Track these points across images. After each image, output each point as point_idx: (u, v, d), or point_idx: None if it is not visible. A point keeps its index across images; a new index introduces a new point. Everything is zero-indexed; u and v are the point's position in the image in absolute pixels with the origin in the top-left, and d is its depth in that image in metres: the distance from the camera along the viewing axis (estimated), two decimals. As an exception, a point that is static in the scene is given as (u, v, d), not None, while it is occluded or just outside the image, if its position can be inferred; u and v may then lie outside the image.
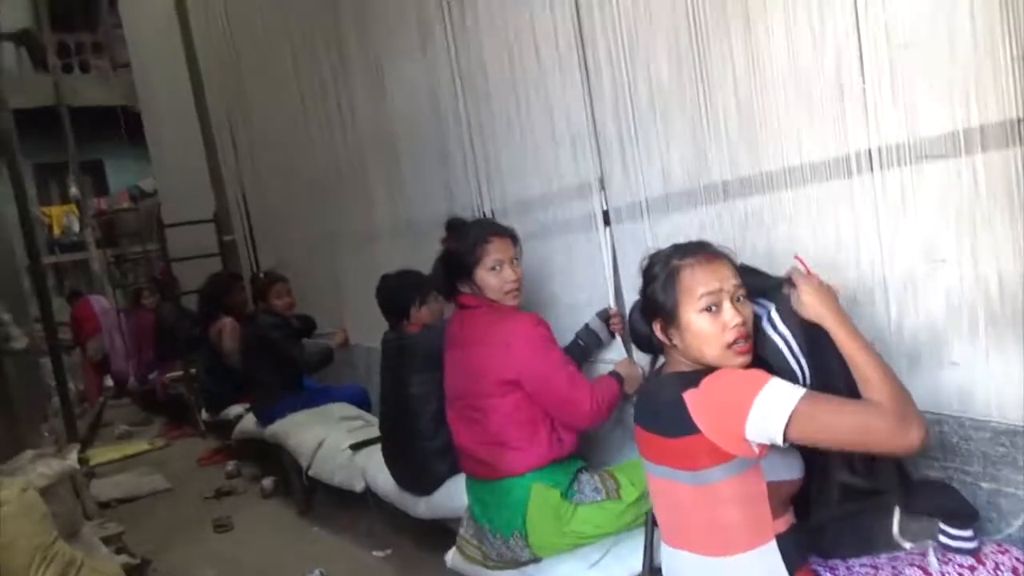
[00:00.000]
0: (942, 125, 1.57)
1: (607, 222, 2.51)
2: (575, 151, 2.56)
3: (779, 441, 1.33)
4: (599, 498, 2.21)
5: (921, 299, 1.68)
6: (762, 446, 1.37)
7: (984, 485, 1.61)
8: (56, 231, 14.24)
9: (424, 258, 3.33)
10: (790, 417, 1.31)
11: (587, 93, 2.44)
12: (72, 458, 3.56)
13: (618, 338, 2.56)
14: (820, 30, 1.74)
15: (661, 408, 1.49)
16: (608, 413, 2.25)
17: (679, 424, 1.42)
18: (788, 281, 1.52)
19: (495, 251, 2.28)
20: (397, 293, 2.96)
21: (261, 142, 5.57)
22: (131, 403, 8.34)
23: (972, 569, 1.43)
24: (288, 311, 4.44)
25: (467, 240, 2.32)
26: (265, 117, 5.38)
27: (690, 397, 1.41)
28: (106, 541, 3.39)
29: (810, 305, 1.45)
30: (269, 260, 5.74)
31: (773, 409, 1.32)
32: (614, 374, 2.37)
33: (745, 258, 1.95)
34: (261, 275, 5.01)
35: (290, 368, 4.31)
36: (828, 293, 1.46)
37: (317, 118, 4.46)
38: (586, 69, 2.42)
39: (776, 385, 1.35)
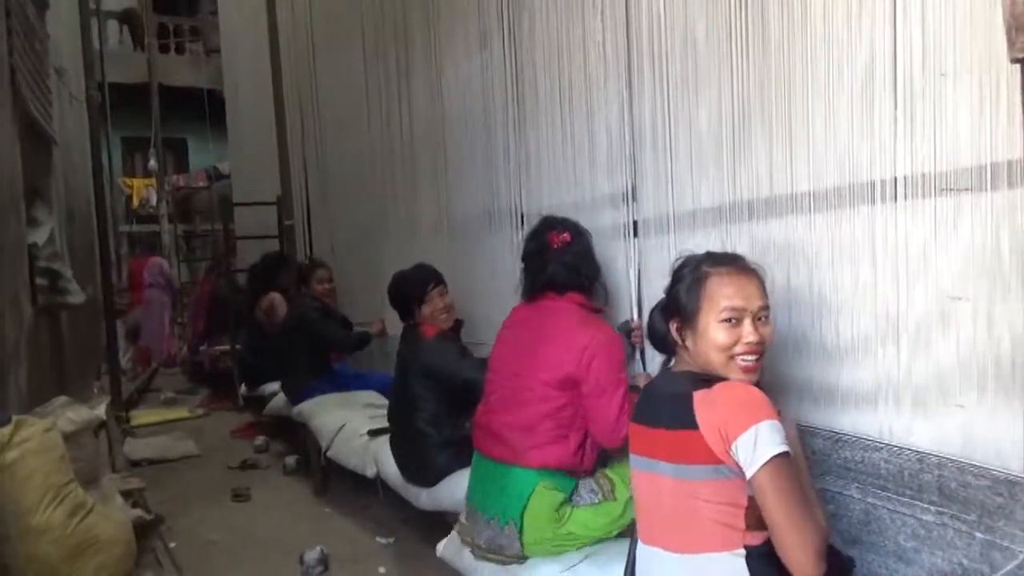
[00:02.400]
0: (974, 158, 1.51)
1: (635, 233, 2.48)
2: (611, 161, 2.55)
3: (749, 473, 1.37)
4: (596, 500, 2.17)
5: (934, 337, 1.61)
6: (739, 466, 1.39)
7: (978, 535, 1.53)
8: (135, 202, 14.75)
9: (461, 254, 3.38)
10: (768, 461, 1.35)
11: (629, 103, 2.44)
12: (100, 410, 3.63)
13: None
14: (856, 56, 1.71)
15: (666, 400, 1.51)
16: None
17: (680, 417, 1.45)
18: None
19: None
20: (401, 290, 3.04)
21: (326, 133, 5.71)
22: (181, 372, 8.64)
23: None
24: (327, 297, 4.54)
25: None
26: (332, 109, 5.52)
27: (699, 396, 1.44)
28: (126, 495, 3.49)
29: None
30: (322, 246, 5.87)
31: (763, 443, 1.36)
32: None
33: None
34: (306, 260, 5.16)
35: (322, 351, 4.40)
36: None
37: (378, 113, 4.55)
38: (629, 80, 2.42)
39: (775, 425, 1.38)
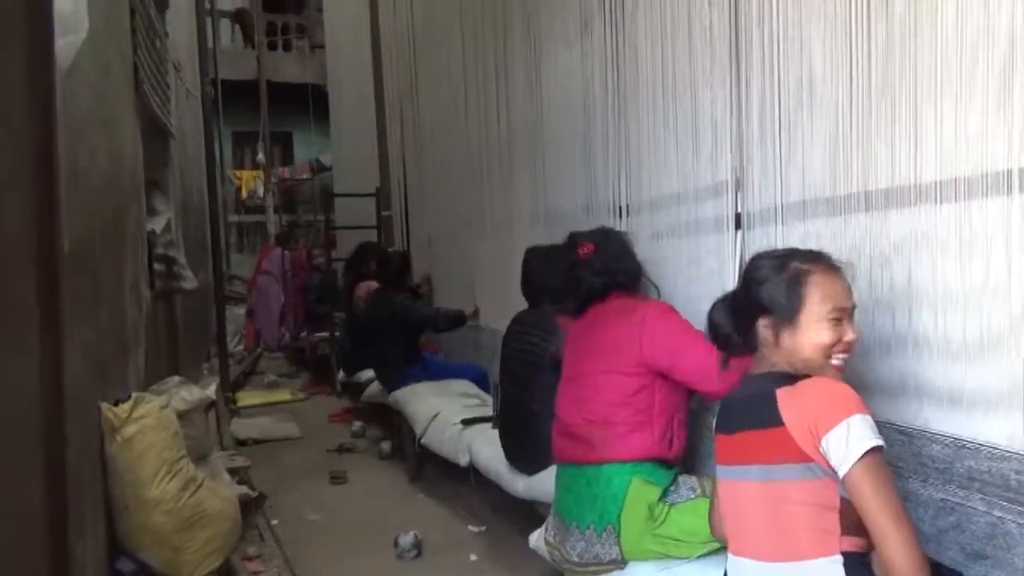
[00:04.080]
0: None
1: (738, 226, 2.39)
2: (715, 149, 2.46)
3: (843, 470, 1.31)
4: (693, 496, 2.10)
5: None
6: (829, 464, 1.35)
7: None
8: (244, 193, 15.40)
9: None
10: (863, 455, 1.31)
11: (735, 88, 2.34)
12: (211, 390, 3.79)
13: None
14: (995, 37, 1.56)
15: (746, 402, 1.48)
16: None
17: (764, 416, 1.42)
18: None
19: None
20: (542, 273, 2.92)
21: (424, 125, 5.78)
22: (283, 357, 8.97)
23: None
24: (419, 291, 4.62)
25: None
26: (430, 101, 5.59)
27: (783, 393, 1.42)
28: (233, 472, 3.64)
29: None
30: (419, 237, 5.96)
31: (855, 437, 1.32)
32: None
33: (876, 276, 1.82)
34: (399, 254, 5.31)
35: (415, 341, 4.51)
36: None
37: (475, 104, 4.56)
38: (736, 62, 2.32)
39: (867, 419, 1.35)
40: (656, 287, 2.47)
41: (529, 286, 2.96)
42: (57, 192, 1.82)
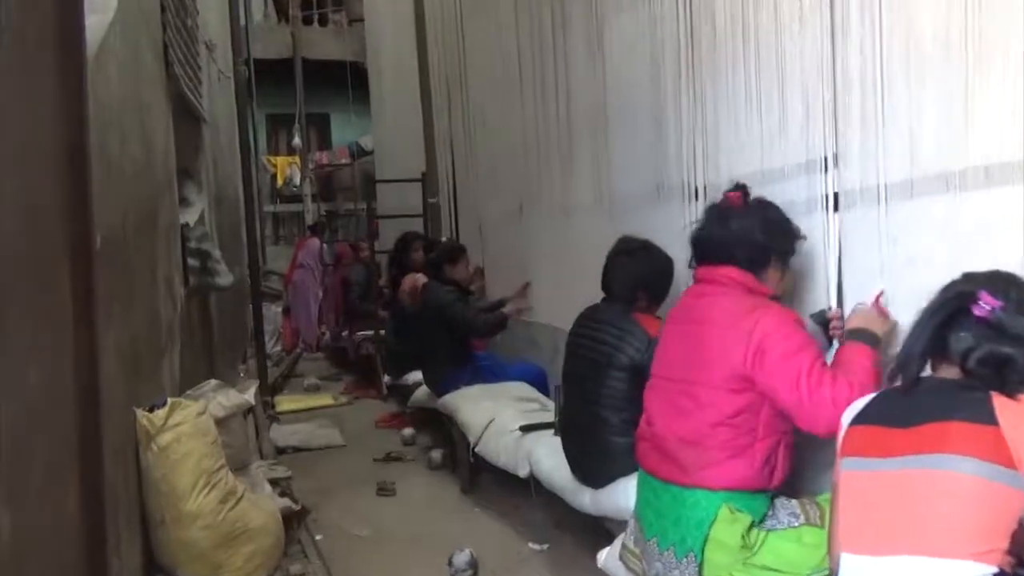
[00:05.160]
0: None
1: (835, 207, 2.32)
2: (807, 122, 2.38)
3: None
4: (796, 523, 2.04)
5: None
6: None
7: None
8: (279, 181, 15.25)
9: (624, 233, 3.28)
10: None
11: (830, 52, 2.26)
12: (250, 394, 3.87)
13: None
14: None
15: (944, 395, 1.54)
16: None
17: (972, 410, 1.47)
18: None
19: None
20: (635, 271, 2.87)
21: (474, 104, 5.78)
22: (324, 358, 9.11)
23: None
24: (468, 284, 4.64)
25: None
26: (480, 78, 5.58)
27: (999, 398, 1.47)
28: (273, 483, 3.70)
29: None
30: (469, 225, 5.97)
31: None
32: (862, 337, 2.09)
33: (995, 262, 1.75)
34: (443, 241, 5.32)
35: (463, 339, 4.49)
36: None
37: (531, 80, 4.53)
38: (832, 22, 2.24)
39: None
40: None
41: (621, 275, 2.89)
42: (89, 182, 1.86)
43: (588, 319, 2.94)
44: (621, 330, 2.74)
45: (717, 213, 2.30)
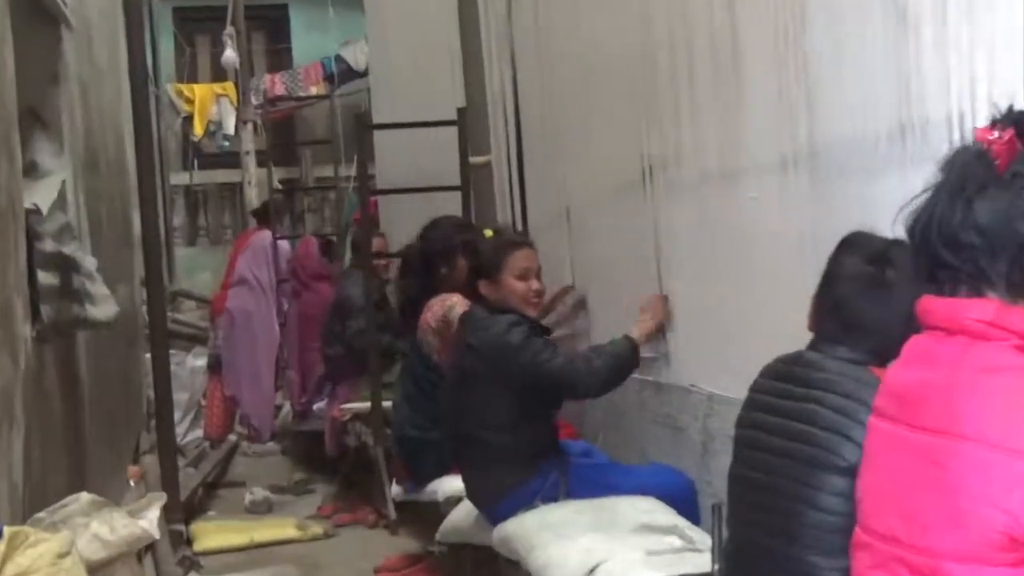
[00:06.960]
0: None
1: None
2: None
3: None
4: None
5: None
6: None
7: None
8: (199, 129, 10.19)
9: (833, 207, 2.49)
10: None
11: None
12: (150, 519, 3.09)
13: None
14: None
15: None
16: None
17: None
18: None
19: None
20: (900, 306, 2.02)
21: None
22: (283, 452, 6.74)
23: None
24: (532, 299, 3.16)
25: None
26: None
27: None
28: None
29: None
30: (547, 208, 4.30)
31: None
32: None
33: None
34: (491, 232, 3.65)
35: (543, 410, 3.12)
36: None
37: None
38: None
39: None
40: None
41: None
42: None
43: (787, 380, 2.22)
44: (859, 403, 2.02)
45: (959, 173, 1.47)
